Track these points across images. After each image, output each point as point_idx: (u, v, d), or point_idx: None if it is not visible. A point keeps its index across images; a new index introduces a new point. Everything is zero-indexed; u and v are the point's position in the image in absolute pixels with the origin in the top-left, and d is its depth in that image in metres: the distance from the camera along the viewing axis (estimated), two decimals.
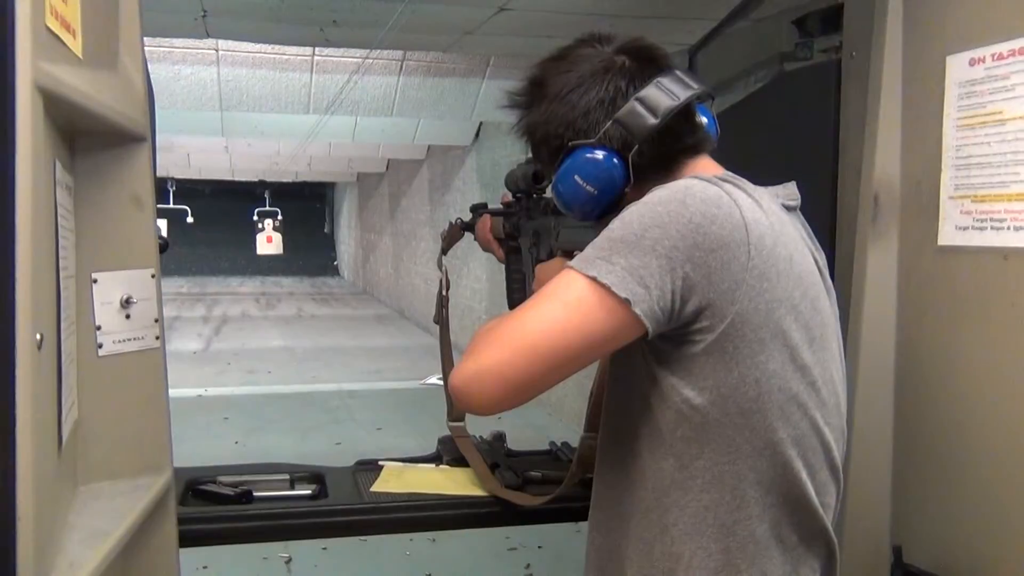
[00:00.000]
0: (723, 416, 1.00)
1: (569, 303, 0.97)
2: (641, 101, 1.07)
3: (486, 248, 1.70)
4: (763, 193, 1.07)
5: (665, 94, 1.07)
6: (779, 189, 1.12)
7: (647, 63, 1.11)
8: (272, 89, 6.63)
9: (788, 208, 1.11)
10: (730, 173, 1.09)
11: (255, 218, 17.48)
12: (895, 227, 1.46)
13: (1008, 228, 1.26)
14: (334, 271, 22.83)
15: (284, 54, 6.39)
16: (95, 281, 1.13)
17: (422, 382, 8.23)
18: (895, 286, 1.46)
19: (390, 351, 10.46)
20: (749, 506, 1.02)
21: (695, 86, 1.10)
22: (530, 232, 1.48)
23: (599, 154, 1.08)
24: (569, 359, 0.98)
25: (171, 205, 15.60)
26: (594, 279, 0.96)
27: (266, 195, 18.26)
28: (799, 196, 1.14)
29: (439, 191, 10.96)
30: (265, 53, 6.35)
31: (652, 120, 1.06)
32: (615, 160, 1.08)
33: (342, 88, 6.50)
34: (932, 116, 1.39)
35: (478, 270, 9.23)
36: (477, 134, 9.05)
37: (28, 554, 0.78)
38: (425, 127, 8.60)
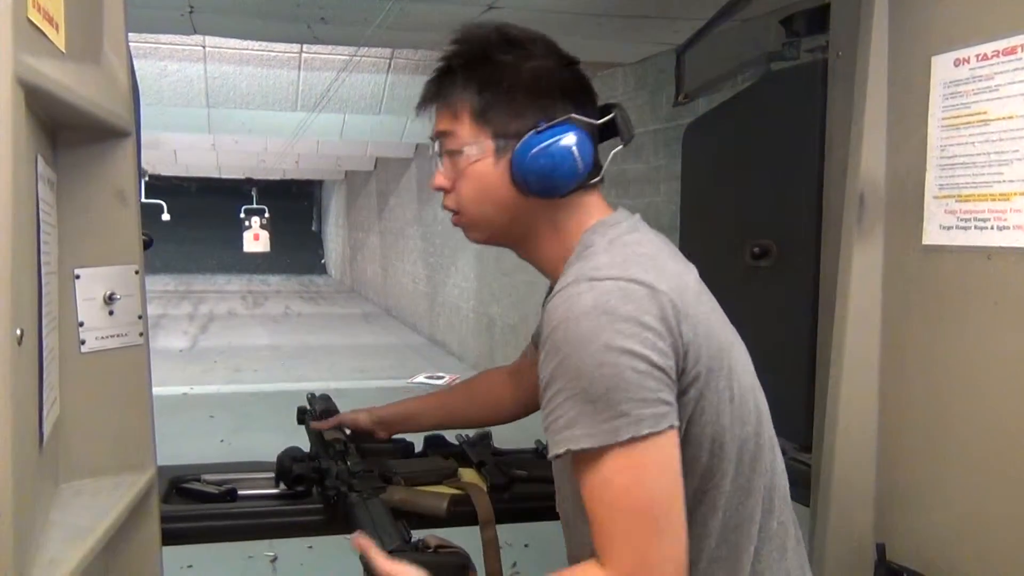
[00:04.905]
0: (700, 447, 1.00)
1: (641, 473, 0.93)
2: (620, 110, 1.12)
3: None
4: (635, 226, 1.08)
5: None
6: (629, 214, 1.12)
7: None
8: (259, 86, 6.61)
9: None
10: (613, 215, 1.10)
11: (242, 215, 17.42)
12: (880, 226, 1.47)
13: (991, 228, 1.27)
14: (321, 269, 22.78)
15: (272, 51, 6.37)
16: (78, 277, 1.12)
17: (410, 380, 8.22)
18: (880, 284, 1.47)
19: (377, 349, 10.44)
20: (745, 513, 1.04)
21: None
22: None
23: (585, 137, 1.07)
24: (680, 501, 0.95)
25: (143, 199, 15.52)
26: (633, 438, 0.92)
27: (253, 192, 18.20)
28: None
29: (427, 190, 10.94)
30: (252, 50, 6.34)
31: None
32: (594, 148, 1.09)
33: (330, 85, 6.49)
34: (917, 116, 1.39)
35: (466, 268, 9.21)
36: None
37: (8, 551, 0.77)
38: (413, 125, 8.58)
